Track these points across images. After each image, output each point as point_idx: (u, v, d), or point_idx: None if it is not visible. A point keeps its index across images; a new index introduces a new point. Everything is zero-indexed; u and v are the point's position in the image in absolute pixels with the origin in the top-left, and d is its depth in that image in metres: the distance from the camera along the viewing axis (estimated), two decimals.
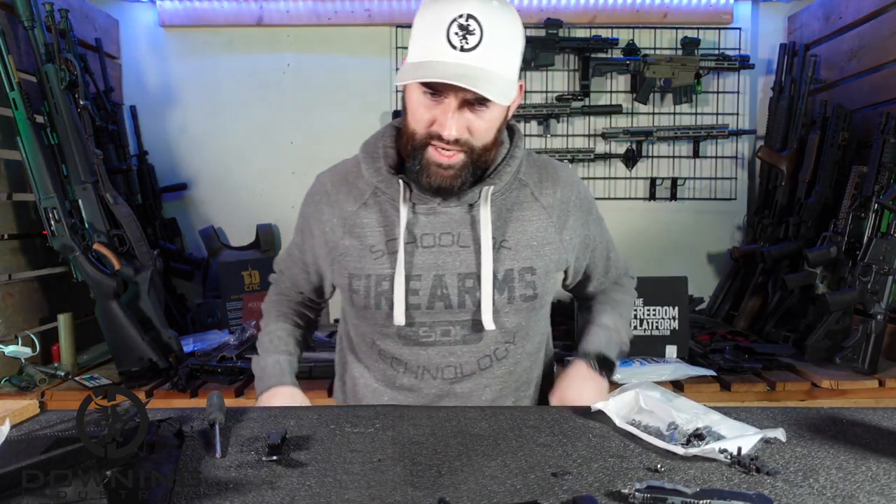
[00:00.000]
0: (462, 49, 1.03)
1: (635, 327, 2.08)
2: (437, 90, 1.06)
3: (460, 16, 1.02)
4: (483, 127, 1.10)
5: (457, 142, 1.08)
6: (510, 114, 1.18)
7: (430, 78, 1.03)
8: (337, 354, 1.41)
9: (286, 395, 1.27)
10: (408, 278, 1.19)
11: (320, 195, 1.27)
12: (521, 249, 1.21)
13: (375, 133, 1.26)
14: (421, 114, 1.09)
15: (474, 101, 1.06)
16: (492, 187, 1.18)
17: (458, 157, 1.10)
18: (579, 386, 1.27)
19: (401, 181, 1.17)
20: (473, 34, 1.03)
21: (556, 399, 1.27)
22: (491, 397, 1.25)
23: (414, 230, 1.19)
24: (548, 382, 1.38)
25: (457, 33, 1.02)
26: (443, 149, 1.09)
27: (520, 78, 1.14)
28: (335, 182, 1.26)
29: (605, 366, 1.30)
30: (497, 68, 1.06)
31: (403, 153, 1.18)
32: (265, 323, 1.40)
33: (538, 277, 1.22)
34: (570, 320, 2.28)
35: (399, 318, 1.18)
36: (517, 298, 1.20)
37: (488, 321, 1.17)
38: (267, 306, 1.43)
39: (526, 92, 2.74)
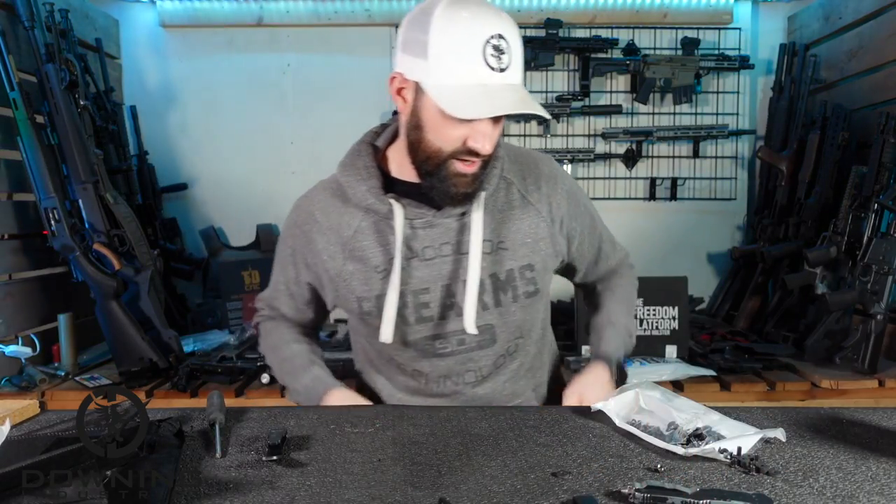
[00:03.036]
0: (500, 70, 1.04)
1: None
2: None
3: (492, 36, 1.02)
4: (498, 134, 1.14)
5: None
6: None
7: (505, 111, 1.04)
8: (356, 364, 1.41)
9: (345, 396, 1.26)
10: (417, 293, 1.20)
11: (308, 224, 1.26)
12: (518, 248, 1.23)
13: (350, 152, 1.25)
14: (449, 133, 1.09)
15: (499, 117, 1.09)
16: (483, 192, 1.19)
17: (477, 164, 1.13)
18: (597, 390, 1.24)
19: (392, 201, 1.17)
20: (505, 53, 1.04)
21: (573, 398, 1.23)
22: (511, 390, 1.29)
23: (413, 245, 1.19)
24: (554, 377, 1.41)
25: (493, 55, 1.03)
26: (466, 160, 1.11)
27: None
28: (323, 208, 1.25)
29: (619, 374, 1.33)
30: (523, 81, 1.09)
31: (416, 169, 1.16)
32: (276, 348, 1.38)
33: (537, 273, 1.24)
34: (570, 320, 2.28)
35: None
36: (521, 296, 1.23)
37: (470, 325, 1.16)
38: (268, 335, 1.41)
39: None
